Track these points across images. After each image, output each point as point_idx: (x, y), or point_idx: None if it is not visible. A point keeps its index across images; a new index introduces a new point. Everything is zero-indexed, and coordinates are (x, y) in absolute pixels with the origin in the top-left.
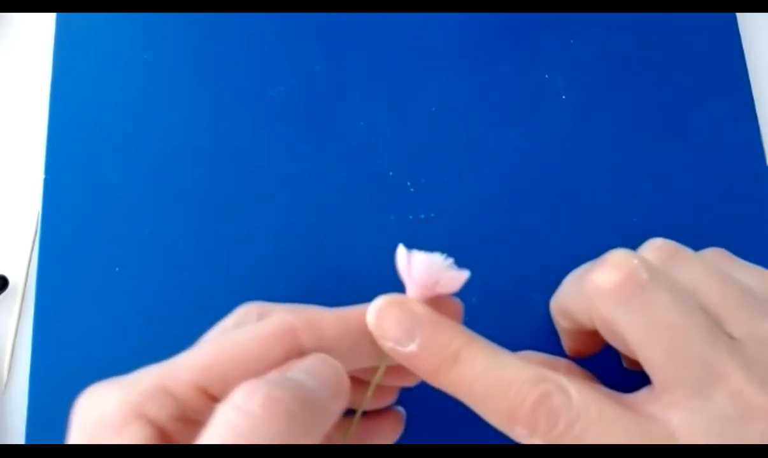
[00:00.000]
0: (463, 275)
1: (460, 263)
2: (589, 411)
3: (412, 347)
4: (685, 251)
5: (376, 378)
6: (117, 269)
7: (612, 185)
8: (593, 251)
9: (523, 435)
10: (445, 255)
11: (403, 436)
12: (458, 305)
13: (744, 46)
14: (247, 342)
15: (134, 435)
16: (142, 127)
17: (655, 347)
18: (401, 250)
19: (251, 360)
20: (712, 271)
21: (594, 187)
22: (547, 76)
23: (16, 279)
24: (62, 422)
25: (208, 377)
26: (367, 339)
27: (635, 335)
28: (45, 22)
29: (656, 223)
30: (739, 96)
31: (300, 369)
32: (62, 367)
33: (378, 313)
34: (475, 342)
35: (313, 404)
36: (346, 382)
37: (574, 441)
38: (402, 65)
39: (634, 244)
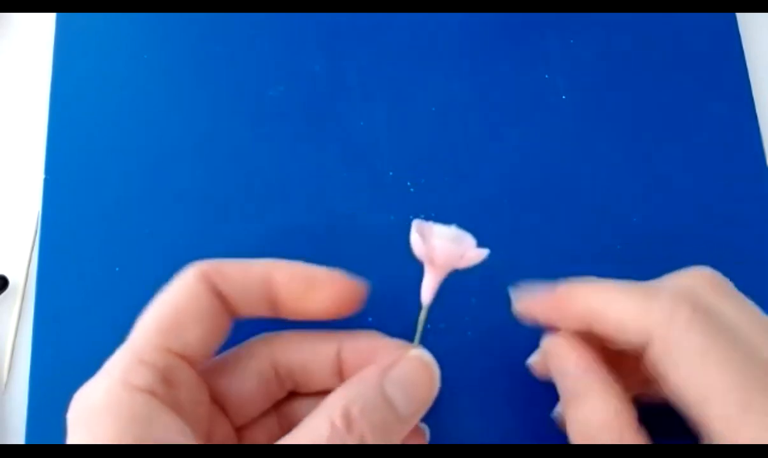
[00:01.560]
0: (482, 253)
1: None
2: None
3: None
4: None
5: (422, 318)
6: (117, 269)
7: (612, 185)
8: (593, 251)
9: None
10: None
11: None
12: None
13: (744, 46)
14: (177, 297)
15: (130, 404)
16: (142, 127)
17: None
18: (416, 230)
19: (189, 309)
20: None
21: (594, 187)
22: (547, 76)
23: (16, 279)
24: (62, 422)
25: (167, 338)
26: (265, 287)
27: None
28: (45, 22)
29: (656, 223)
30: (739, 96)
31: (397, 382)
32: (62, 367)
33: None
34: None
35: (395, 434)
36: (436, 386)
37: None
38: (402, 65)
39: (634, 244)
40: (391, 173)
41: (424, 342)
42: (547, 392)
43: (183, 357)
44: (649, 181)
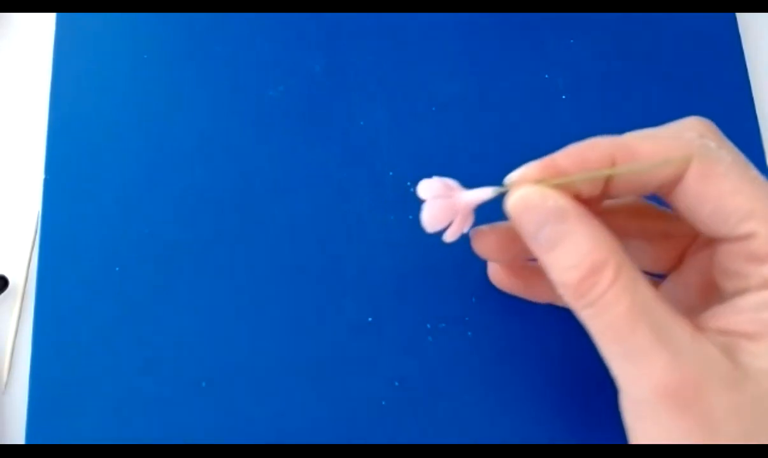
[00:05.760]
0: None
1: (460, 263)
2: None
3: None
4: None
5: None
6: (117, 269)
7: None
8: None
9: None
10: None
11: (402, 436)
12: None
13: (744, 46)
14: None
15: None
16: (142, 127)
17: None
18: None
19: None
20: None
21: None
22: (547, 76)
23: (16, 279)
24: (62, 422)
25: None
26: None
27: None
28: (45, 22)
29: None
30: (739, 96)
31: None
32: (62, 367)
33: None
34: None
35: None
36: None
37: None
38: (402, 65)
39: None
40: (391, 173)
41: (423, 343)
42: (549, 392)
43: None
44: None
